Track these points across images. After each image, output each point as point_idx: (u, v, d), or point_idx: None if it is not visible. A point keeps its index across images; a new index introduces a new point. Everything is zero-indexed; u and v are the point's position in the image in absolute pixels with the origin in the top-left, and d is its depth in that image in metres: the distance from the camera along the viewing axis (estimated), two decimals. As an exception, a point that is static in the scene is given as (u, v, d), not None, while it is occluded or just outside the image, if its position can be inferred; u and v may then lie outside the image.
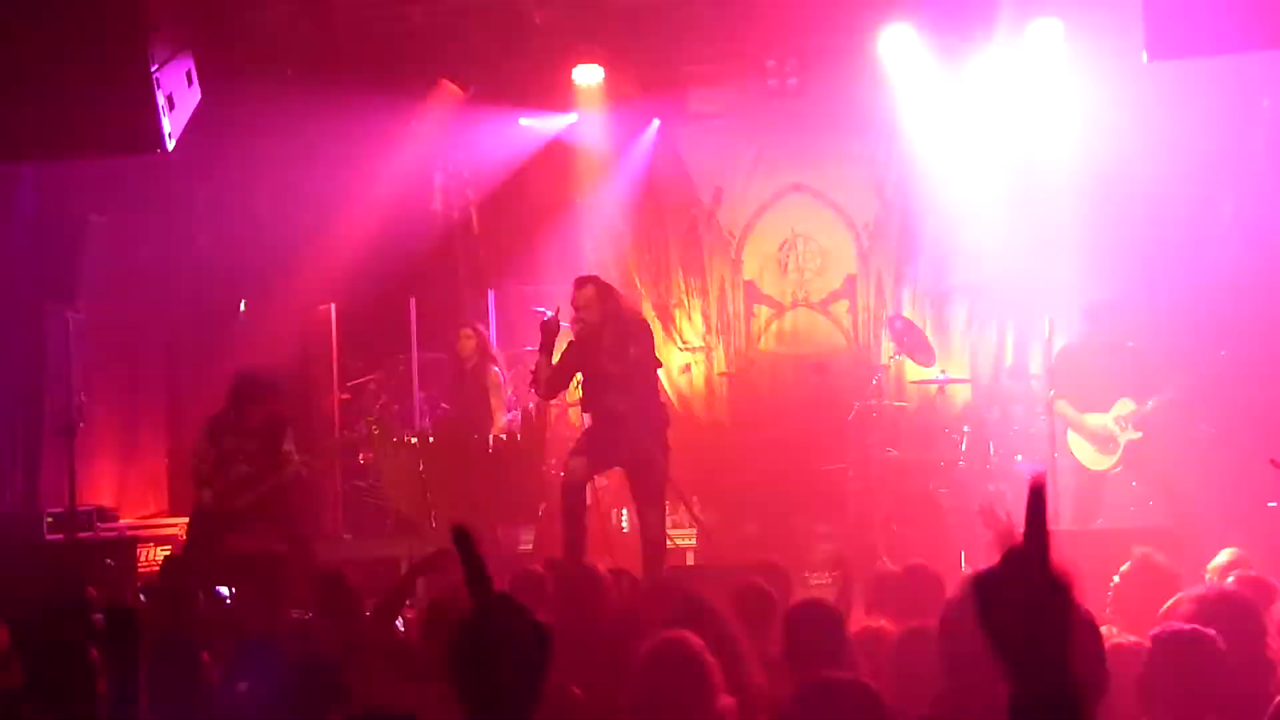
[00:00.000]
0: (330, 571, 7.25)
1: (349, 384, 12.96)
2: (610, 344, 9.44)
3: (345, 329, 13.08)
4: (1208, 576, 6.96)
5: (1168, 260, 12.39)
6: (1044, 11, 12.30)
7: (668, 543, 10.10)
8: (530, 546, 10.99)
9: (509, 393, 12.69)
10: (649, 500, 9.57)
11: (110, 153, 10.94)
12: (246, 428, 10.14)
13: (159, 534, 11.05)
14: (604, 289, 9.70)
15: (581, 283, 9.73)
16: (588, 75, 13.28)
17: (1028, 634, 2.41)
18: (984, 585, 2.43)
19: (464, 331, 11.73)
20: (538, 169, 14.09)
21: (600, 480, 11.29)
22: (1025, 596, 2.42)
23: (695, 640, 4.68)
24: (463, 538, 3.04)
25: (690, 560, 11.07)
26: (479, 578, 2.73)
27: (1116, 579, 6.61)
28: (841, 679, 4.33)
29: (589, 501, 9.94)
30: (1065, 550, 6.51)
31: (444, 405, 12.08)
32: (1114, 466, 10.09)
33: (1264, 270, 12.09)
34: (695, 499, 11.48)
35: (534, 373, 9.73)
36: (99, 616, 4.33)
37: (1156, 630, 4.88)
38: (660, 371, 10.54)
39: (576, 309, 9.53)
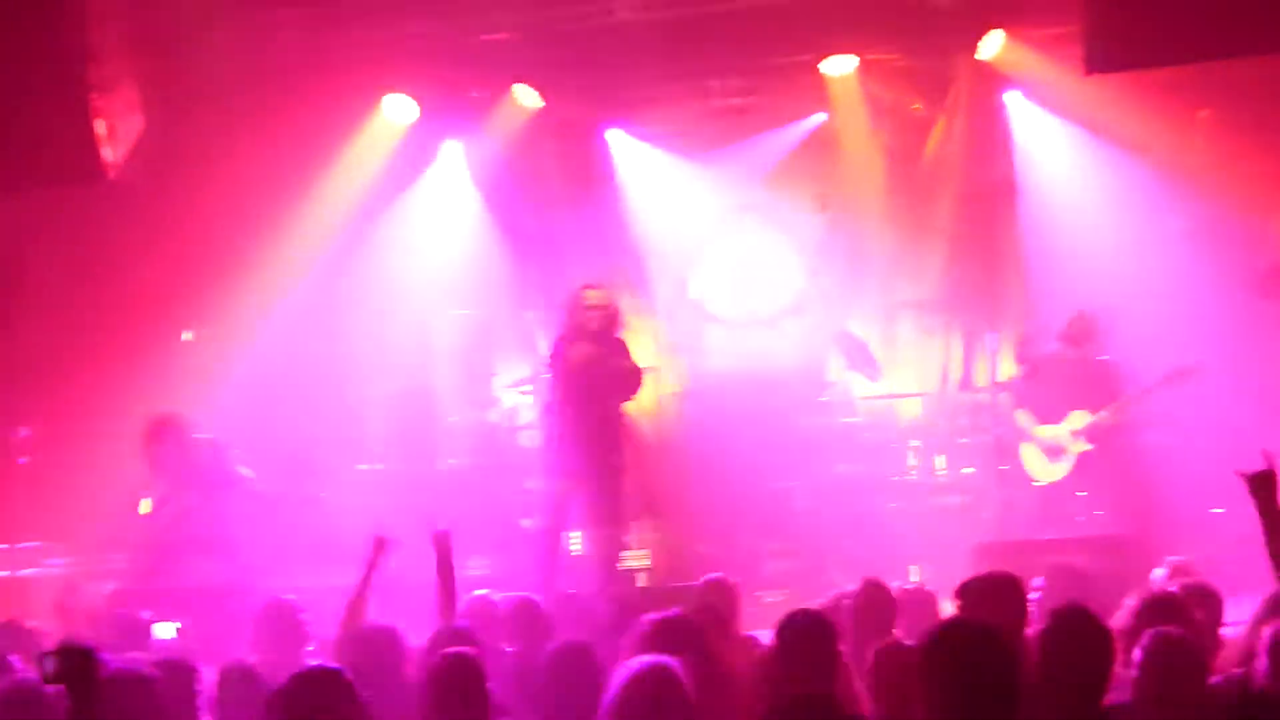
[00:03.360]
0: (276, 600, 7.18)
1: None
2: (617, 351, 9.52)
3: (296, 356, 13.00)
4: (1153, 582, 7.05)
5: (1116, 273, 12.49)
6: (987, 27, 12.38)
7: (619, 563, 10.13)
8: (484, 573, 10.93)
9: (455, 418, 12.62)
10: (611, 517, 9.56)
11: (49, 183, 10.82)
12: (189, 460, 10.10)
13: (105, 568, 10.94)
14: (612, 296, 9.81)
15: (594, 284, 9.87)
16: (530, 97, 13.27)
17: None
18: None
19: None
20: (485, 190, 14.04)
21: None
22: None
23: (676, 665, 4.72)
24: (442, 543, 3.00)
25: (641, 582, 11.03)
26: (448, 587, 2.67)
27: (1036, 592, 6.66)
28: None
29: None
30: (1015, 560, 6.62)
31: None
32: (1064, 478, 10.14)
33: (1206, 280, 12.20)
34: (649, 519, 11.44)
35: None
36: (50, 659, 4.28)
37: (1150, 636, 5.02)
38: None
39: (590, 307, 9.56)
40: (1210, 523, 11.25)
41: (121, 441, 10.82)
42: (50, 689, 5.04)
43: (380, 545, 6.76)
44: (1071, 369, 10.23)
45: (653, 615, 5.74)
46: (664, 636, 5.40)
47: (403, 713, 5.38)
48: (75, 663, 4.39)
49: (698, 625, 5.72)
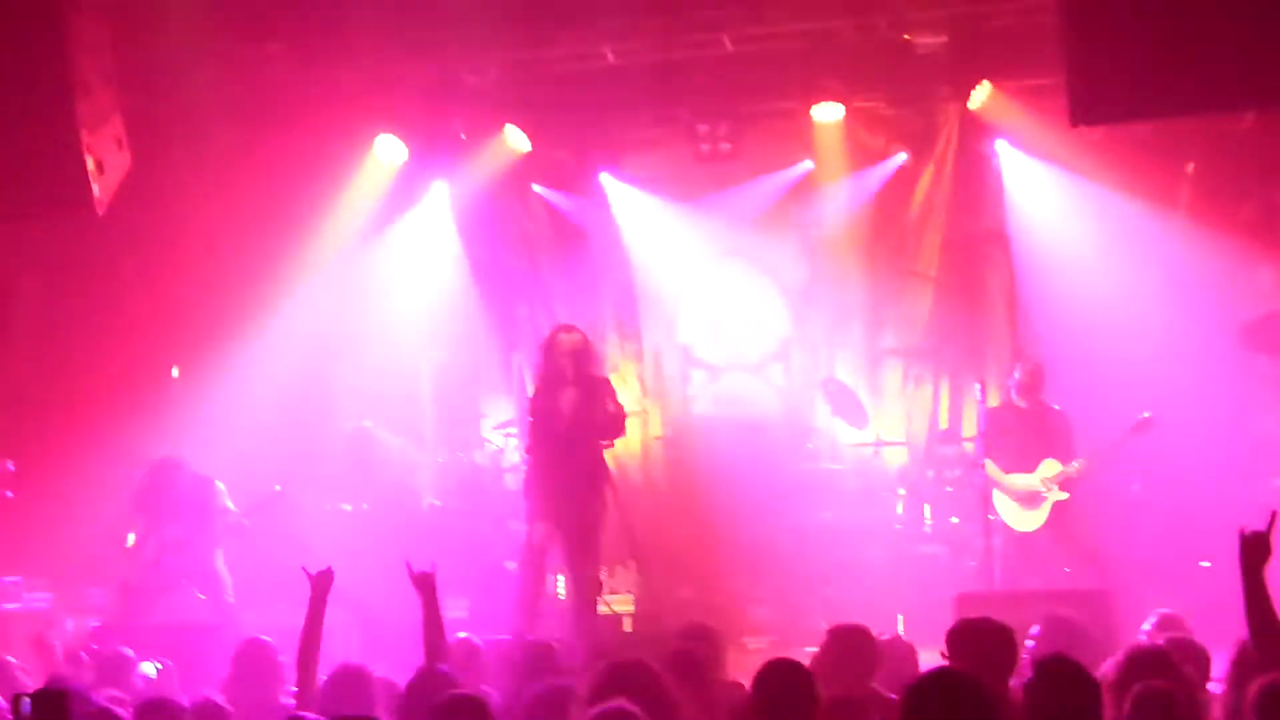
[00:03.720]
0: (253, 641, 7.16)
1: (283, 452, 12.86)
2: (596, 394, 9.49)
3: (280, 397, 13.01)
4: (1141, 636, 7.03)
5: (1097, 323, 12.56)
6: (975, 77, 12.44)
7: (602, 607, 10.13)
8: (464, 614, 10.90)
9: (441, 458, 12.60)
10: (589, 559, 9.56)
11: (39, 216, 10.82)
12: (176, 495, 10.17)
13: (87, 604, 10.92)
14: (587, 339, 9.79)
15: (569, 329, 9.83)
16: (518, 139, 13.31)
17: None
18: None
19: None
20: (473, 235, 14.07)
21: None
22: None
23: (635, 711, 4.72)
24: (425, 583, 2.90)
25: (627, 626, 11.01)
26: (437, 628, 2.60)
27: (1030, 641, 6.65)
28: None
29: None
30: (998, 611, 6.58)
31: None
32: (1040, 527, 10.15)
33: (1190, 332, 12.25)
34: (631, 562, 11.40)
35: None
36: (26, 700, 4.26)
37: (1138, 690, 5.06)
38: None
39: (565, 354, 9.55)
40: (1189, 573, 11.32)
41: (106, 477, 10.83)
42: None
43: (320, 583, 6.69)
44: (1025, 419, 10.29)
45: (609, 660, 5.72)
46: (619, 681, 5.38)
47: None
48: (50, 705, 4.37)
49: (654, 670, 5.68)
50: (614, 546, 10.19)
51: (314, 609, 6.66)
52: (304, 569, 6.98)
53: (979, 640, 5.82)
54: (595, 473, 9.53)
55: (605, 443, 9.64)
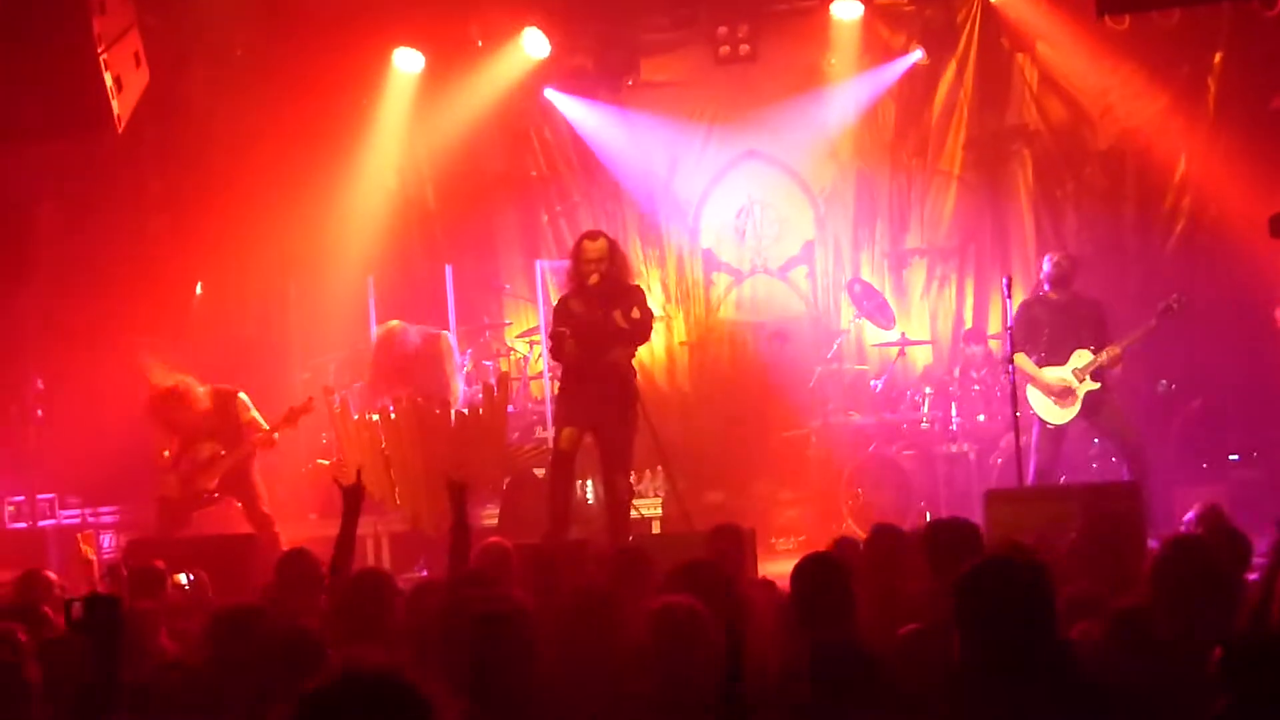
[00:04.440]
0: (294, 549, 7.24)
1: (309, 363, 12.92)
2: (621, 301, 9.47)
3: (303, 308, 13.03)
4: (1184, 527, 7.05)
5: (1122, 217, 12.52)
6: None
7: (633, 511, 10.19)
8: (495, 521, 10.98)
9: (468, 366, 12.64)
10: (621, 465, 9.59)
11: (59, 136, 10.81)
12: (200, 409, 10.22)
13: (122, 520, 11.03)
14: (615, 245, 9.74)
15: (594, 235, 9.77)
16: (538, 45, 13.23)
17: None
18: None
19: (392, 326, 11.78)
20: (493, 142, 14.04)
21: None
22: None
23: (700, 605, 4.78)
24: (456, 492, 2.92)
25: (656, 529, 11.07)
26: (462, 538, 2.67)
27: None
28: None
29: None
30: (1029, 507, 6.61)
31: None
32: (1073, 419, 10.16)
33: (1215, 226, 12.20)
34: (659, 467, 11.43)
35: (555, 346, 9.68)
36: (78, 605, 4.30)
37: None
38: None
39: (589, 260, 9.51)
40: (1219, 467, 11.35)
41: (133, 394, 10.89)
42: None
43: (353, 493, 6.74)
44: (1057, 310, 10.27)
45: (681, 562, 5.77)
46: (689, 580, 5.42)
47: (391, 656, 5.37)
48: (101, 610, 4.40)
49: (724, 570, 5.73)
50: (642, 452, 10.21)
51: (347, 521, 6.72)
52: (336, 481, 7.04)
53: (955, 538, 5.91)
54: (624, 379, 9.52)
55: (633, 346, 9.63)
